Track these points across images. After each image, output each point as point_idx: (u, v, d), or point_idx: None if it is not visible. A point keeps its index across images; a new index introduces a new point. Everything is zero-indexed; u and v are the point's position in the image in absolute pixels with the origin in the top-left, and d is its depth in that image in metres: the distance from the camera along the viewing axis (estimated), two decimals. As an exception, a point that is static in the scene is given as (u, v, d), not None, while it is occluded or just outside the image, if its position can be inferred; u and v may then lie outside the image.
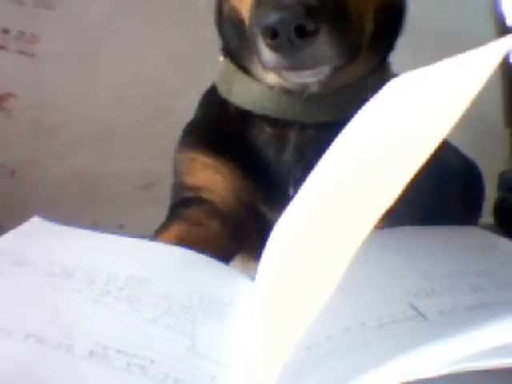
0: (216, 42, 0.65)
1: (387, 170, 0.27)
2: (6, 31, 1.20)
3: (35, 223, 0.46)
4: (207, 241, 0.59)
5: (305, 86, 0.57)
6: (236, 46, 0.61)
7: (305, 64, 0.48)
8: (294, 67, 0.49)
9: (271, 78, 0.58)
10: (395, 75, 0.63)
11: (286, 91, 0.58)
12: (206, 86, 0.68)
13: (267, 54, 0.48)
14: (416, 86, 0.33)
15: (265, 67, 0.52)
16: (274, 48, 0.47)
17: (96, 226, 0.46)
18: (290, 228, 0.35)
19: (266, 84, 0.59)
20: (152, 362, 0.29)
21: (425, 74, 0.32)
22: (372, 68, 0.60)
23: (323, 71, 0.50)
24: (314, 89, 0.57)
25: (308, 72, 0.50)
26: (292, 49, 0.46)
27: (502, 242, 0.44)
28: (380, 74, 0.61)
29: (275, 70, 0.51)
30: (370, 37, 0.55)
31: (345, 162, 0.33)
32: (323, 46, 0.46)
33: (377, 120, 0.34)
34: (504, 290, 0.32)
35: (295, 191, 0.38)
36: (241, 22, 0.57)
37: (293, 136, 0.60)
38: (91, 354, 0.29)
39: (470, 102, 0.23)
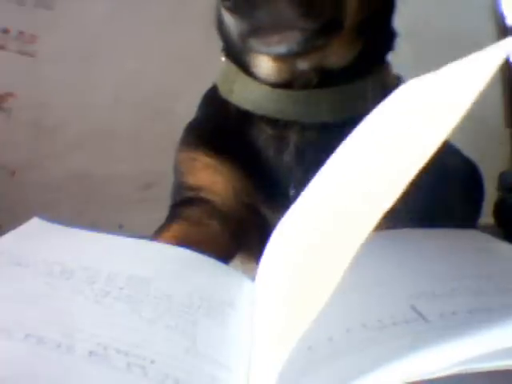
0: (216, 42, 0.65)
1: (388, 171, 0.27)
2: (5, 31, 1.20)
3: (35, 224, 0.46)
4: (207, 241, 0.59)
5: (293, 67, 0.56)
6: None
7: (266, 24, 0.46)
8: (256, 30, 0.47)
9: (262, 68, 0.58)
10: (395, 76, 0.64)
11: (285, 86, 0.58)
12: (206, 86, 0.67)
13: (229, 20, 0.47)
14: (421, 90, 0.33)
15: (236, 42, 0.50)
16: (231, 8, 0.45)
17: (96, 226, 0.46)
18: (292, 229, 0.35)
19: (263, 82, 0.59)
20: (152, 362, 0.29)
21: (430, 79, 0.32)
22: (359, 53, 0.58)
23: (291, 37, 0.48)
24: (303, 68, 0.56)
25: (275, 37, 0.48)
26: (247, 7, 0.44)
27: (504, 245, 0.44)
28: (380, 75, 0.61)
29: (242, 38, 0.49)
30: (356, 21, 0.54)
31: (348, 164, 0.33)
32: (282, 3, 0.44)
33: (381, 124, 0.34)
34: (505, 294, 0.32)
35: (296, 192, 0.38)
36: None
37: (293, 137, 0.60)
38: (91, 354, 0.28)
39: (469, 105, 0.24)
